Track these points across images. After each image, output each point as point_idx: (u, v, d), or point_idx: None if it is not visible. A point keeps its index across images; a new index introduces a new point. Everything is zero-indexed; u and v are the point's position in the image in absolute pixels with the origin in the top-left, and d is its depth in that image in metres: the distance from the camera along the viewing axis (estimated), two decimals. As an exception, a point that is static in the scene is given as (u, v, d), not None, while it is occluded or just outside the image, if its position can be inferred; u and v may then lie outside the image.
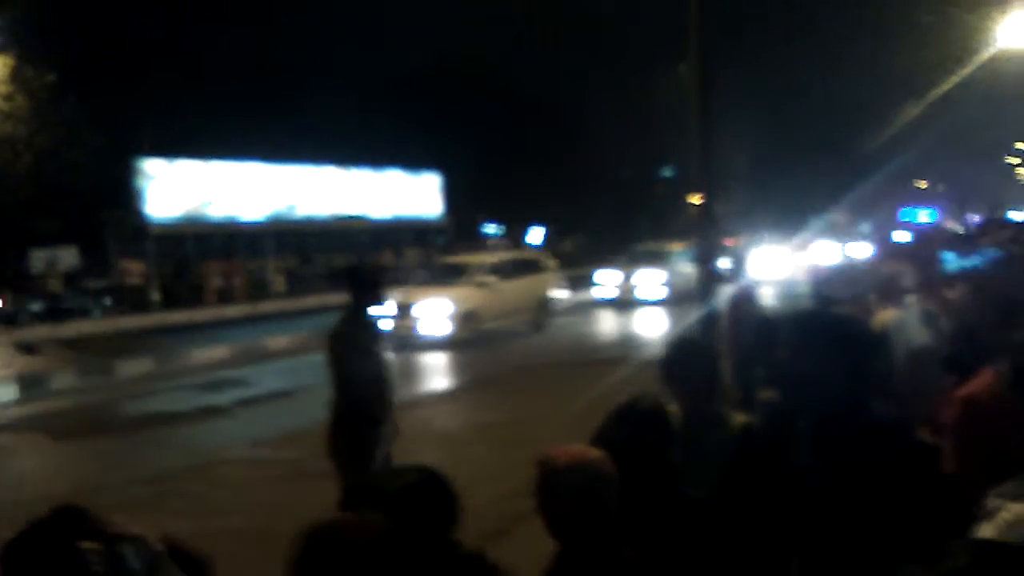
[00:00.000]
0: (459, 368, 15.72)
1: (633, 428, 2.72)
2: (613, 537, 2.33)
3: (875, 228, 34.73)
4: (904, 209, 40.00)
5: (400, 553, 1.85)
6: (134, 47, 28.22)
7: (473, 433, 9.97)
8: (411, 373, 13.96)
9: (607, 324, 21.88)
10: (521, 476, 2.69)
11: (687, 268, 23.51)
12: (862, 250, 27.92)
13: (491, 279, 18.70)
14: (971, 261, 20.47)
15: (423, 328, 17.22)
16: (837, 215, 37.55)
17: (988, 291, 4.80)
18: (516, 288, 19.32)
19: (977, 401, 2.03)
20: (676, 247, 26.05)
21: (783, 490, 2.65)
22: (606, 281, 25.05)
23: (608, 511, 2.30)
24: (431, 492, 2.25)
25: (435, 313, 17.35)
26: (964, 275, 8.20)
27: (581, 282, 25.77)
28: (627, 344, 16.99)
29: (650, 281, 24.43)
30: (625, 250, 28.31)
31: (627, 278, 24.55)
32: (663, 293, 24.12)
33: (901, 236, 28.54)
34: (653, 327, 20.09)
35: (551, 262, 22.61)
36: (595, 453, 2.38)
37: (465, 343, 17.12)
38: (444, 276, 19.31)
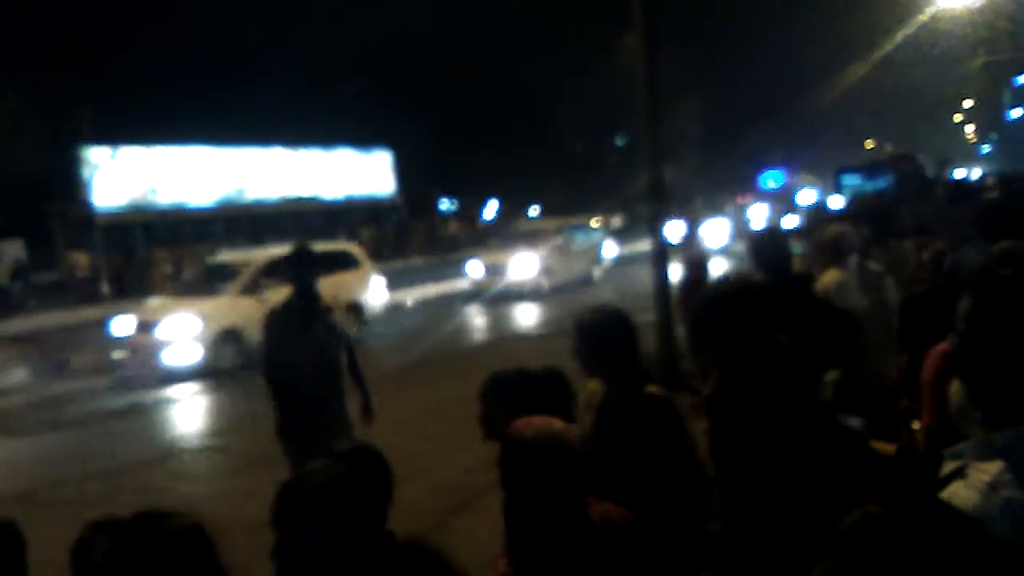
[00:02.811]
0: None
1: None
2: (580, 505, 2.33)
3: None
4: (760, 175, 39.21)
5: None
6: (74, 34, 27.59)
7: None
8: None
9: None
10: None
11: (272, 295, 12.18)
12: (719, 229, 26.47)
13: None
14: (875, 184, 20.75)
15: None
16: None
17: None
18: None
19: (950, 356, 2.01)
20: (256, 258, 15.23)
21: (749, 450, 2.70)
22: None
23: (573, 479, 2.30)
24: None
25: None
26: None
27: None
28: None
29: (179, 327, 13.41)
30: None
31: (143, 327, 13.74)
32: (193, 355, 13.31)
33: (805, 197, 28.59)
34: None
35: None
36: (559, 424, 2.36)
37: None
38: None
